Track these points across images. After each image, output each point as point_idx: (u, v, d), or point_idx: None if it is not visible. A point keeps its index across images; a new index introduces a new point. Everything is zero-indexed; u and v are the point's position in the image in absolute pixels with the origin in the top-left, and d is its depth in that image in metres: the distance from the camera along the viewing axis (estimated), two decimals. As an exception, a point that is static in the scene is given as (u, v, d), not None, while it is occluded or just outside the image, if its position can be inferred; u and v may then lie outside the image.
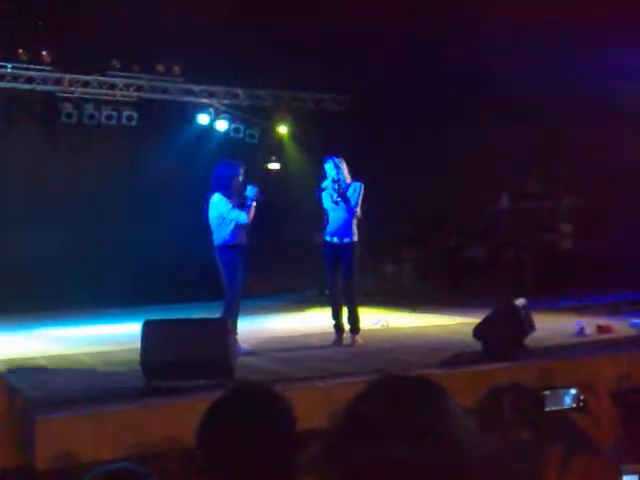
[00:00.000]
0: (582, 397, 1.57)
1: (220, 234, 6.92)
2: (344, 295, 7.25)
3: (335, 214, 7.13)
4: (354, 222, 7.15)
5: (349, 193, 7.08)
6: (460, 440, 0.97)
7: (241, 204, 6.94)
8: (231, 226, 6.87)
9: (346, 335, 7.28)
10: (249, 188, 6.93)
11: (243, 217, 6.84)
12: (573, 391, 1.59)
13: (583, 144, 12.00)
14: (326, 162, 7.18)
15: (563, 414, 1.57)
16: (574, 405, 1.59)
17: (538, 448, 1.53)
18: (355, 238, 7.16)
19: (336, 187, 7.05)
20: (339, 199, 7.07)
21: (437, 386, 1.05)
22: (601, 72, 10.53)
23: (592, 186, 12.54)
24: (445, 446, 0.95)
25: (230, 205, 6.85)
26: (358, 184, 7.15)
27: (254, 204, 6.90)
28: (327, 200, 7.16)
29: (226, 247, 6.89)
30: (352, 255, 7.13)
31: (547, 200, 14.07)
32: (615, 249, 12.10)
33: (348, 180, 7.15)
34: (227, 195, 6.88)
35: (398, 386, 1.05)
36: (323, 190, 7.17)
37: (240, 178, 7.03)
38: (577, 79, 10.67)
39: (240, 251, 6.96)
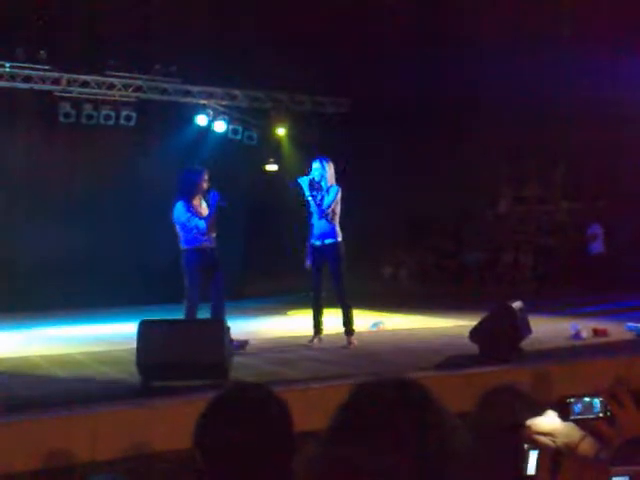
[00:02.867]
0: (608, 406, 1.57)
1: (184, 238, 7.15)
2: (336, 297, 7.29)
3: (315, 218, 7.21)
4: (336, 223, 7.21)
5: (326, 195, 7.18)
6: (443, 441, 0.98)
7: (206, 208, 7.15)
8: (193, 231, 7.07)
9: (342, 337, 7.29)
10: (212, 194, 7.08)
11: (202, 225, 7.03)
12: (599, 400, 1.59)
13: (582, 147, 12.02)
14: (314, 161, 7.27)
15: (588, 423, 1.57)
16: (600, 414, 1.58)
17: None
18: (339, 238, 7.22)
19: (314, 192, 7.12)
20: (312, 200, 7.13)
21: (420, 387, 1.05)
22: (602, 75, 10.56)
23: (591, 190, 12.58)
24: (428, 448, 0.96)
25: (189, 214, 7.05)
26: (335, 187, 7.23)
27: (215, 210, 7.08)
28: (312, 204, 7.23)
29: (190, 251, 7.09)
30: (338, 255, 7.19)
31: (545, 203, 14.10)
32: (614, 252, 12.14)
33: (330, 183, 7.22)
34: (189, 201, 7.11)
35: (381, 390, 1.05)
36: (298, 183, 7.23)
37: (204, 184, 7.20)
38: (578, 81, 10.70)
39: (204, 254, 7.11)
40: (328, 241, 7.18)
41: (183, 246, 7.15)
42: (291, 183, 7.33)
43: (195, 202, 7.14)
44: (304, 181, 7.18)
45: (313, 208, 7.17)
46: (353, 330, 7.26)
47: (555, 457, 1.26)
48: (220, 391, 1.75)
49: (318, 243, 7.20)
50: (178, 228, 7.15)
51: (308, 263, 7.27)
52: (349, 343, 7.17)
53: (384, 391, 1.04)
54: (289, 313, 11.13)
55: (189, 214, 7.04)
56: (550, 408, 1.75)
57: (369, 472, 0.95)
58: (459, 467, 0.97)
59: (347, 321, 7.23)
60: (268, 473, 1.61)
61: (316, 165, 7.20)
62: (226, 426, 1.63)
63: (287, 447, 1.65)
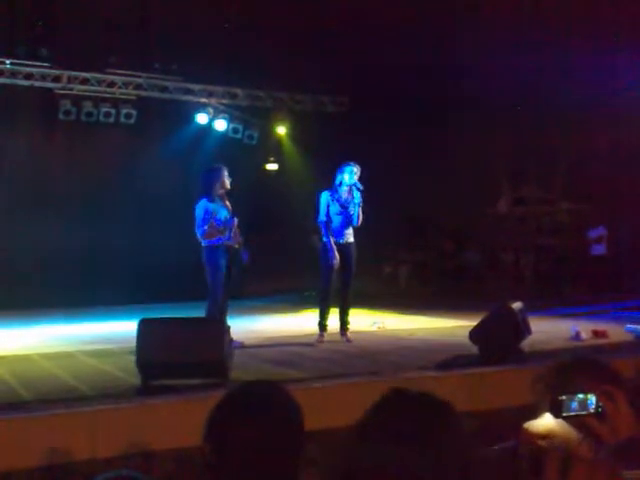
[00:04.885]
0: (600, 403, 1.57)
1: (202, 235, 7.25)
2: (343, 294, 7.55)
3: (340, 218, 7.42)
4: (351, 226, 7.51)
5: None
6: (461, 454, 0.98)
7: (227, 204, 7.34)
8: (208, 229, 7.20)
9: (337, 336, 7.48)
10: (242, 253, 7.40)
11: (199, 232, 7.18)
12: (591, 397, 1.59)
13: (582, 148, 12.01)
14: (347, 166, 7.41)
15: (580, 420, 1.58)
16: (592, 411, 1.58)
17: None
18: (353, 239, 7.53)
19: (358, 196, 7.31)
20: (351, 205, 7.33)
21: (444, 403, 1.06)
22: (599, 75, 10.56)
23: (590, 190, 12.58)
24: (446, 459, 0.96)
25: (202, 215, 7.15)
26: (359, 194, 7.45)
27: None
28: (334, 205, 7.40)
29: (211, 248, 7.16)
30: (354, 255, 7.50)
31: (545, 204, 14.10)
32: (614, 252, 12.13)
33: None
34: (210, 200, 7.23)
35: (407, 400, 1.06)
36: (333, 193, 7.40)
37: (225, 180, 7.32)
38: (576, 82, 10.70)
39: (225, 252, 7.24)
40: (351, 240, 7.49)
41: (204, 243, 7.23)
42: (330, 191, 7.43)
43: (218, 199, 7.28)
44: (341, 190, 7.38)
45: (355, 213, 7.34)
46: (349, 328, 7.58)
47: (564, 460, 1.26)
48: (233, 387, 1.76)
49: (342, 241, 7.44)
50: (199, 225, 7.27)
51: (335, 261, 7.35)
52: (348, 338, 7.46)
53: (408, 404, 1.05)
54: (291, 312, 11.12)
55: (203, 214, 7.18)
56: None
57: (390, 468, 0.95)
58: (476, 470, 0.97)
59: (346, 318, 7.56)
60: (278, 469, 1.62)
61: (350, 169, 7.37)
62: (237, 422, 1.64)
63: (297, 444, 1.66)
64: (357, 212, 7.34)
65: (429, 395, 1.08)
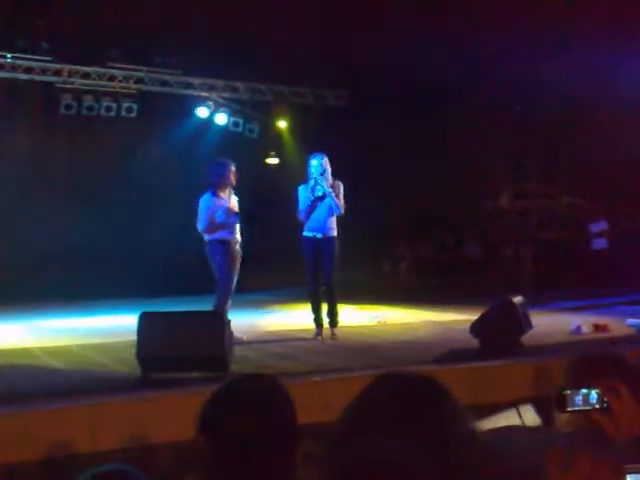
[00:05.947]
0: (605, 398, 1.57)
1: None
2: (327, 289, 7.33)
3: (316, 211, 7.20)
4: (334, 219, 7.27)
5: (334, 192, 7.19)
6: (460, 440, 0.97)
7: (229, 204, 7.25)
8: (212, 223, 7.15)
9: (344, 331, 7.39)
10: (232, 217, 7.21)
11: (200, 226, 7.14)
12: (593, 392, 1.59)
13: (582, 142, 12.00)
14: (312, 158, 7.25)
15: (585, 414, 1.58)
16: (597, 406, 1.58)
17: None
18: (335, 233, 7.29)
19: (323, 188, 7.13)
20: (330, 195, 7.13)
21: (440, 385, 1.04)
22: (600, 70, 10.54)
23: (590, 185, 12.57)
24: (445, 445, 0.95)
25: (205, 209, 7.10)
26: (339, 183, 7.27)
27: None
28: (330, 199, 7.20)
29: (214, 242, 7.13)
30: (334, 249, 7.24)
31: (546, 198, 14.10)
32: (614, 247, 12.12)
33: (330, 180, 7.22)
34: (214, 194, 7.17)
35: (402, 384, 1.04)
36: (307, 186, 7.25)
37: (231, 177, 7.27)
38: (576, 77, 10.68)
39: (228, 246, 7.17)
40: (330, 234, 7.23)
41: (207, 237, 7.18)
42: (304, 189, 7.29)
43: (222, 194, 7.20)
44: (311, 185, 7.19)
45: (322, 205, 7.14)
46: (338, 322, 7.37)
47: (567, 454, 1.25)
48: (225, 381, 1.75)
49: (319, 236, 7.21)
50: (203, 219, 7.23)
51: (313, 255, 7.22)
52: (333, 334, 7.26)
53: (402, 384, 1.03)
54: (292, 306, 11.11)
55: (205, 209, 7.12)
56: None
57: (386, 463, 0.94)
58: (473, 457, 0.97)
59: (334, 314, 7.32)
60: (271, 463, 1.61)
61: (317, 161, 7.18)
62: (230, 415, 1.63)
63: (291, 438, 1.65)
64: (332, 200, 7.09)
65: (425, 379, 1.06)
